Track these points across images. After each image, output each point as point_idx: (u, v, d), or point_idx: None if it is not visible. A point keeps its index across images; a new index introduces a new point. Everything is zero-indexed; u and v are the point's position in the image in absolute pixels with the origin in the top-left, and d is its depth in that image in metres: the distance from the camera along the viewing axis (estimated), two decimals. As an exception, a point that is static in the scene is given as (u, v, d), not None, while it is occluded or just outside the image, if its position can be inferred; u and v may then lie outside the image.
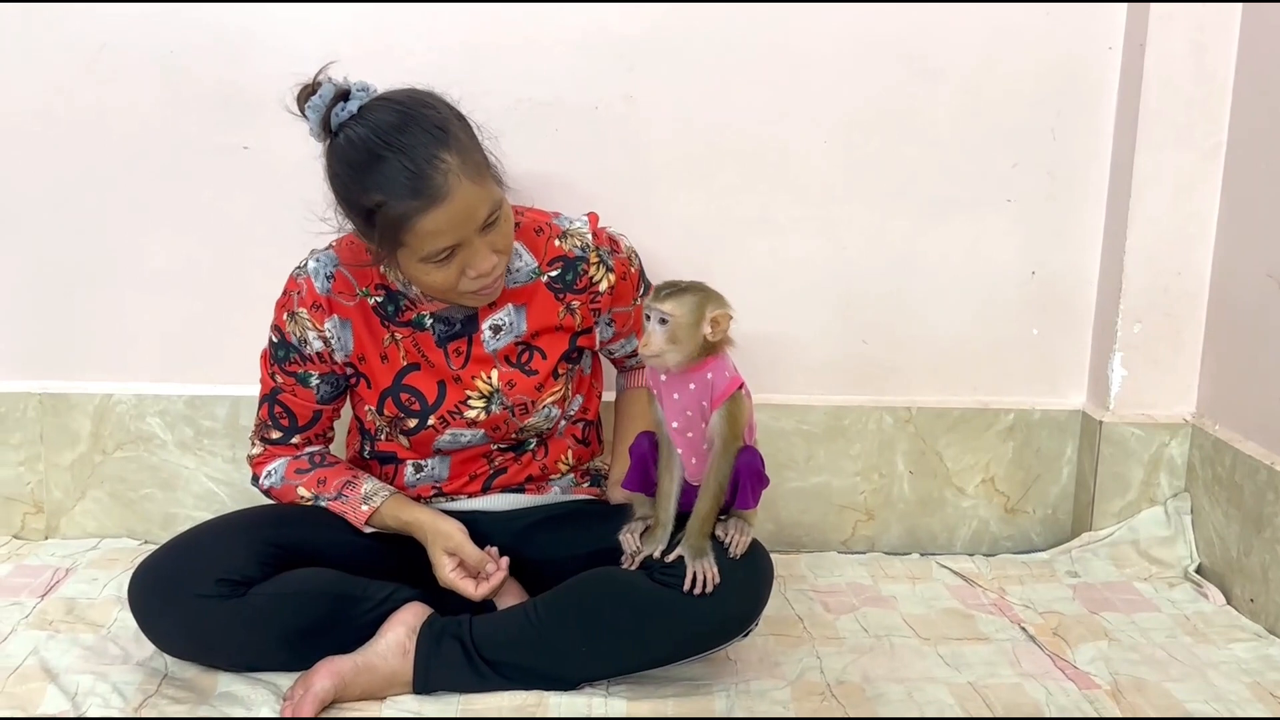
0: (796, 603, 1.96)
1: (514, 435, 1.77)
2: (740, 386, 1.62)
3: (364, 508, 1.72)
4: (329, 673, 1.58)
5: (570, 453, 1.85)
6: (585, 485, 1.88)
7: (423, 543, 1.71)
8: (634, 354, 1.85)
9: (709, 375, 1.60)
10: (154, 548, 1.71)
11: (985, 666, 1.75)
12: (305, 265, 1.72)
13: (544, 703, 1.60)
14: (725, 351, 1.62)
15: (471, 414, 1.72)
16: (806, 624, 1.88)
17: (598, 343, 1.82)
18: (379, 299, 1.70)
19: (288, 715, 1.56)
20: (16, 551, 2.08)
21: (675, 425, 1.63)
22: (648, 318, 1.58)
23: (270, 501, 1.81)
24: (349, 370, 1.73)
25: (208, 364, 2.14)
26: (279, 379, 1.74)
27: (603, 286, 1.75)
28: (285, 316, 1.71)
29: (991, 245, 2.17)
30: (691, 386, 1.60)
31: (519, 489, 1.82)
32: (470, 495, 1.81)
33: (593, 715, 1.58)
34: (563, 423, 1.82)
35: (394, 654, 1.62)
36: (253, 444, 1.81)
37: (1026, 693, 1.68)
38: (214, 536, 1.68)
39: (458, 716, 1.57)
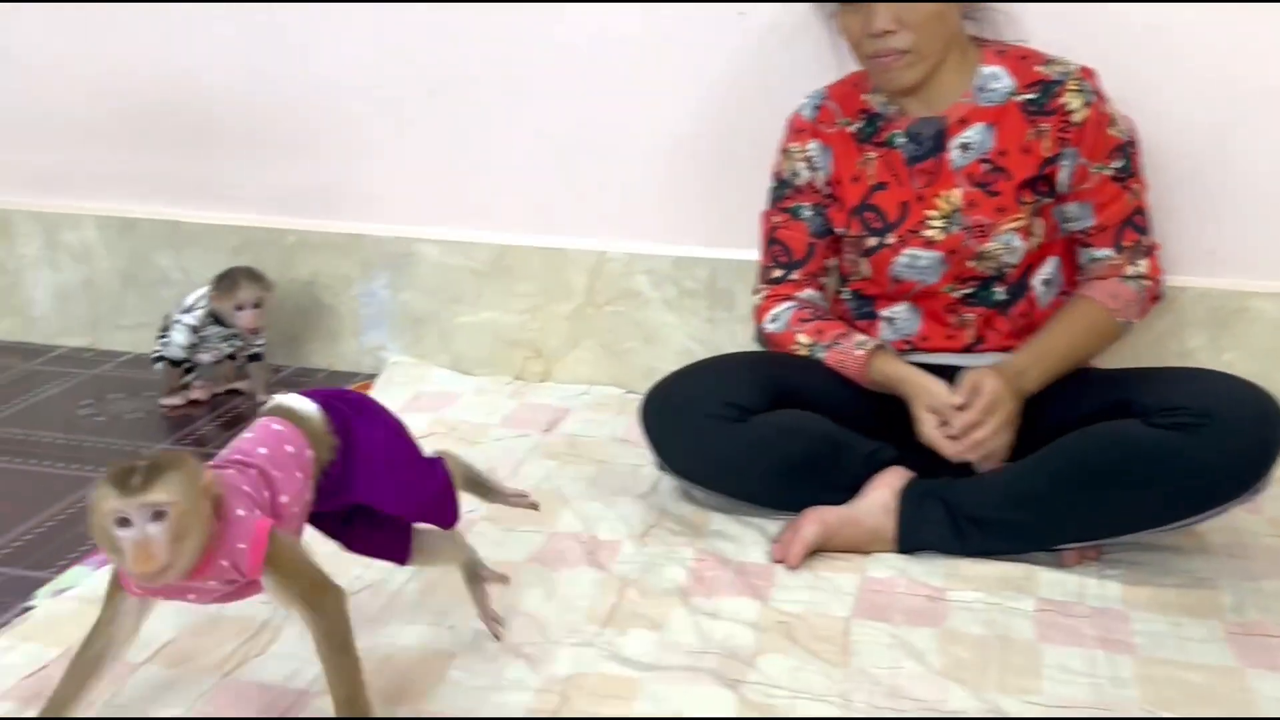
0: (1307, 503, 1.81)
1: (971, 265, 1.73)
2: (270, 528, 1.15)
3: (858, 352, 1.74)
4: (817, 520, 1.64)
5: None
6: None
7: (906, 399, 1.71)
8: (1087, 237, 1.76)
9: (238, 546, 1.14)
10: (637, 397, 1.82)
11: None
12: (800, 105, 1.85)
13: (1033, 577, 1.58)
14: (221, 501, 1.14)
15: (929, 233, 1.73)
16: (1322, 527, 1.73)
17: (1059, 187, 1.73)
18: (859, 124, 1.80)
19: (777, 557, 1.63)
20: (519, 391, 2.29)
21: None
22: (126, 522, 1.08)
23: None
24: (826, 193, 1.82)
25: (692, 227, 2.23)
26: (775, 219, 1.87)
27: (1076, 117, 1.70)
28: (781, 156, 1.86)
29: None
30: (211, 583, 1.15)
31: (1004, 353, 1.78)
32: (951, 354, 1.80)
33: (1085, 595, 1.54)
34: (1045, 287, 1.77)
35: (878, 511, 1.66)
36: (756, 291, 1.89)
37: None
38: (723, 367, 1.82)
39: (943, 579, 1.58)
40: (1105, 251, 1.76)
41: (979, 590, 1.55)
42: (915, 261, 1.75)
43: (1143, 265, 1.76)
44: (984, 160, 1.72)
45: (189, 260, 2.43)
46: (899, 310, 1.81)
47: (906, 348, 1.81)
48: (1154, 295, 1.79)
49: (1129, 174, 1.74)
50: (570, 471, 1.91)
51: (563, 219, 2.30)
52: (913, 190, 1.75)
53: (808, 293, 1.86)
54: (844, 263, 1.87)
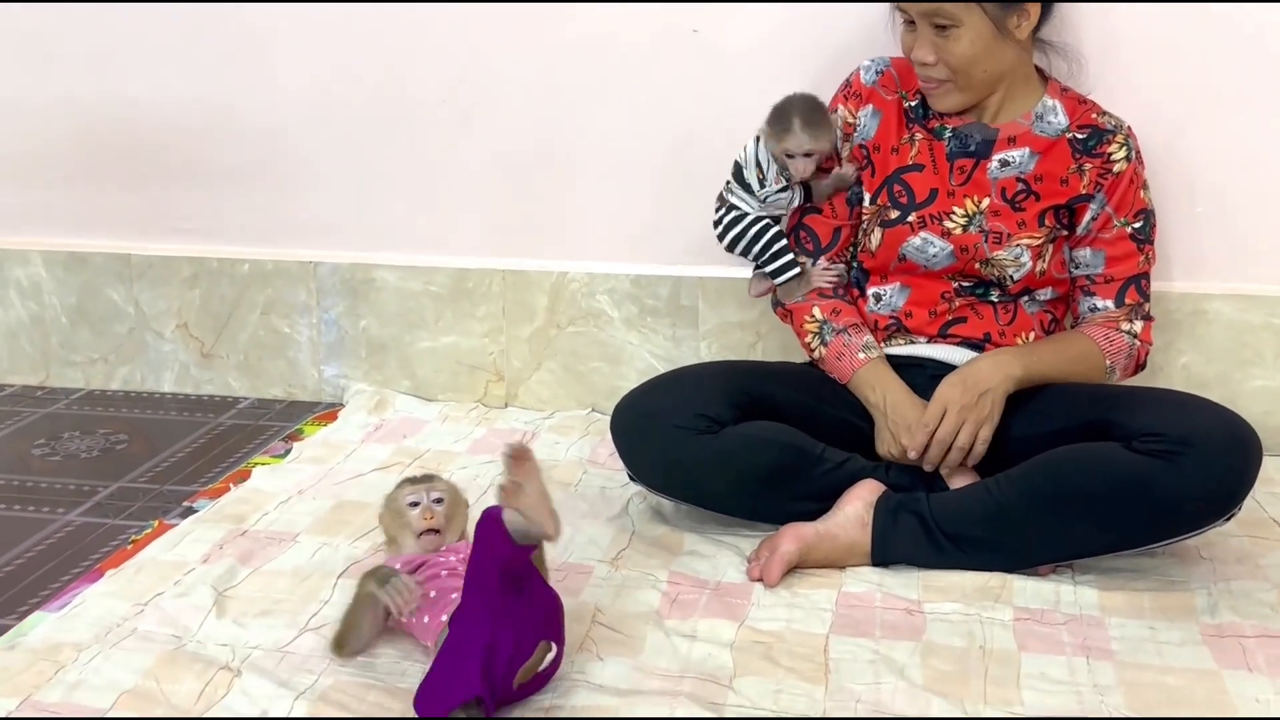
0: (1269, 505, 1.82)
1: (978, 266, 1.77)
2: None
3: (861, 356, 1.79)
4: (794, 537, 1.63)
5: (1033, 336, 1.81)
6: None
7: (876, 415, 1.77)
8: (1092, 285, 1.80)
9: None
10: (601, 417, 1.80)
11: None
12: (862, 66, 1.87)
13: (1008, 586, 1.58)
14: None
15: (949, 225, 1.77)
16: (1285, 528, 1.75)
17: (1080, 228, 1.78)
18: (914, 103, 1.83)
19: (755, 576, 1.62)
20: (485, 417, 2.26)
21: None
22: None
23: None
24: (861, 155, 1.84)
25: (653, 245, 2.22)
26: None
27: (1117, 168, 1.77)
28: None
29: None
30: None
31: (978, 345, 1.80)
32: (928, 339, 1.82)
33: (1061, 603, 1.55)
34: (1031, 301, 1.80)
35: (853, 525, 1.65)
36: None
37: None
38: (694, 378, 1.81)
39: (919, 591, 1.58)
40: (1107, 303, 1.80)
41: (956, 602, 1.55)
42: (926, 248, 1.78)
43: (1138, 326, 1.80)
44: (1020, 180, 1.77)
45: (140, 293, 2.39)
46: (888, 289, 1.84)
47: (889, 323, 1.83)
48: (1140, 359, 1.82)
49: (1145, 239, 1.79)
50: (539, 496, 1.88)
51: (521, 240, 2.28)
52: (947, 184, 1.79)
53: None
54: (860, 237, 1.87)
